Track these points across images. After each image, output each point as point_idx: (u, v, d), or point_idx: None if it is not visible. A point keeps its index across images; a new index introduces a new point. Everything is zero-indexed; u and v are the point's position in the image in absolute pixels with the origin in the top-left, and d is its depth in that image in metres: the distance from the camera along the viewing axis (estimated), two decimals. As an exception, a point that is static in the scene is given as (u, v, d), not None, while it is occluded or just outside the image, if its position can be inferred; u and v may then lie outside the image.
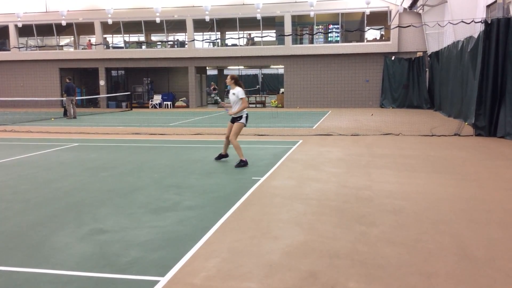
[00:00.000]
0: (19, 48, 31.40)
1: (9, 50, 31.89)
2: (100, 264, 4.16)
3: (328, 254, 4.34)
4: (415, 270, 3.96)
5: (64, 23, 29.13)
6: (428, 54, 25.74)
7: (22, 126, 18.05)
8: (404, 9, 25.00)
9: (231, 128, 9.18)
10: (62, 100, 24.78)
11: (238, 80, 9.20)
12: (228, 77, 9.17)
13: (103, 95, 31.35)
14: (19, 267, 4.11)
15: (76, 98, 23.86)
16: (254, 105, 31.81)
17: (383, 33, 28.89)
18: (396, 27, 23.45)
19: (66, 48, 33.10)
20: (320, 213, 5.67)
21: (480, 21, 13.17)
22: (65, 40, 34.16)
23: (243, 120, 9.08)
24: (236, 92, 8.97)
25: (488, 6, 16.05)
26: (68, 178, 7.96)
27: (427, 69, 25.94)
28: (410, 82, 26.42)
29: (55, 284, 3.76)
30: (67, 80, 23.16)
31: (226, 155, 9.58)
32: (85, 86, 33.87)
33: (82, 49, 32.40)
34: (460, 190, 6.85)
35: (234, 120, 9.15)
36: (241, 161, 8.86)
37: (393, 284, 3.70)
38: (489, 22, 12.65)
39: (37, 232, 5.09)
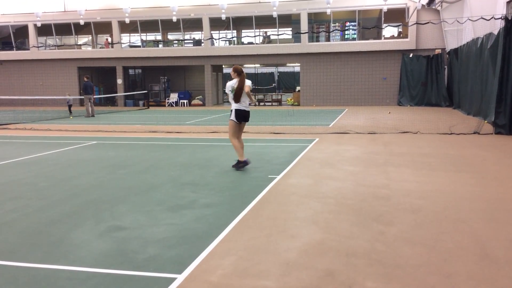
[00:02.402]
0: (38, 47, 31.88)
1: (28, 49, 32.39)
2: (118, 261, 4.19)
3: (346, 253, 4.30)
4: (434, 270, 3.90)
5: (82, 22, 29.55)
6: (447, 51, 25.37)
7: (42, 124, 18.31)
8: (422, 5, 24.67)
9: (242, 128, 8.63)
10: (68, 98, 24.84)
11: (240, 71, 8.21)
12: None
13: (120, 93, 31.66)
14: (38, 264, 4.17)
15: (94, 96, 24.12)
16: (270, 103, 31.85)
17: (401, 30, 28.56)
18: (414, 24, 23.20)
19: (84, 47, 33.48)
20: (337, 212, 5.63)
21: (500, 18, 12.92)
22: (83, 39, 34.58)
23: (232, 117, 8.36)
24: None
25: (508, 3, 15.72)
26: (86, 176, 8.05)
27: (445, 67, 25.57)
28: (429, 79, 26.06)
29: (74, 281, 3.80)
30: (85, 79, 23.45)
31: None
32: (103, 84, 34.24)
33: (100, 48, 32.74)
34: (480, 189, 6.74)
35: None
36: (240, 162, 8.40)
37: (412, 284, 3.66)
38: (510, 18, 12.41)
39: (56, 229, 5.15)
